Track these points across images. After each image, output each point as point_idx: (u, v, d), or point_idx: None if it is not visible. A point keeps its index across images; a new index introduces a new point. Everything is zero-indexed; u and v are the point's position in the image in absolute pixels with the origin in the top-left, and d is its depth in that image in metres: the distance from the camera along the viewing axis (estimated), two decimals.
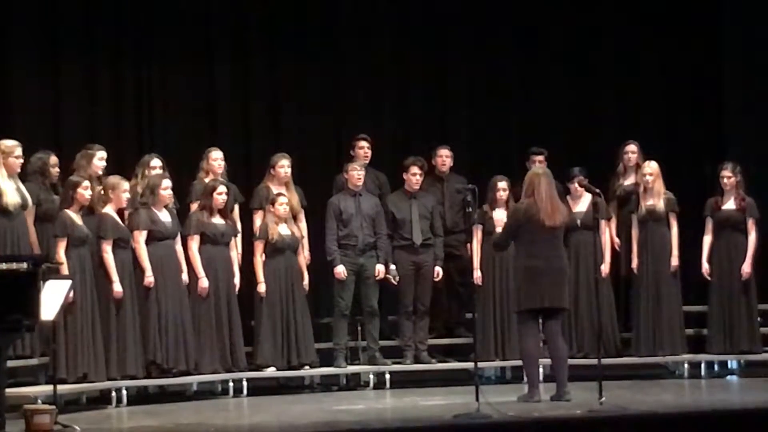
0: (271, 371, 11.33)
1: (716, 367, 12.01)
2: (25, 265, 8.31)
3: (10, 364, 9.27)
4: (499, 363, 11.84)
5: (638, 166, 12.05)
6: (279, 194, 11.45)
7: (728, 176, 11.75)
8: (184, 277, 10.98)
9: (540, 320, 9.90)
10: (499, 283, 11.73)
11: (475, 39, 13.60)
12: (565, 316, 10.51)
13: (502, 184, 11.73)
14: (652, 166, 11.84)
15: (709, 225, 11.85)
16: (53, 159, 10.84)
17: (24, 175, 10.57)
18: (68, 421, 8.92)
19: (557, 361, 9.85)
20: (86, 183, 10.40)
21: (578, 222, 11.48)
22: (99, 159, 10.85)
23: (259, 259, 11.36)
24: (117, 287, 10.44)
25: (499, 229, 10.74)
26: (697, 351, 11.91)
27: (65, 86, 12.55)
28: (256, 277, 11.35)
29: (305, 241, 11.65)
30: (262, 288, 11.30)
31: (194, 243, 11.06)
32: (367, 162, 12.02)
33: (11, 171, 10.33)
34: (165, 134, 12.76)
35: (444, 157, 12.21)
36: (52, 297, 8.74)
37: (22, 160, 10.44)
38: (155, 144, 12.39)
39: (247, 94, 13.21)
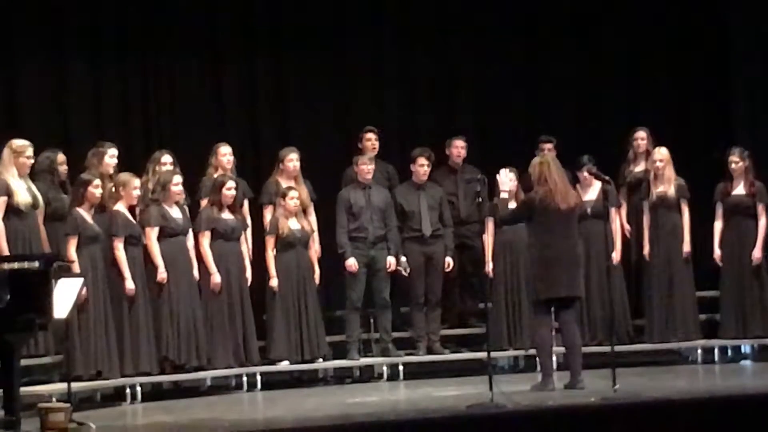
0: (284, 365, 11.33)
1: (730, 352, 11.96)
2: (36, 264, 8.33)
3: (24, 362, 9.29)
4: (512, 352, 11.82)
5: (648, 153, 12.00)
6: (289, 188, 11.44)
7: (736, 161, 11.72)
8: (196, 273, 11.00)
9: (553, 309, 9.90)
10: (510, 273, 11.71)
11: (481, 29, 13.56)
12: (579, 305, 10.49)
13: (510, 176, 11.65)
14: (662, 152, 11.80)
15: (719, 210, 11.81)
16: (61, 157, 10.83)
17: (32, 174, 10.54)
18: (83, 419, 8.93)
19: (571, 349, 9.83)
20: (97, 181, 10.40)
21: (588, 210, 11.44)
22: (110, 157, 10.86)
23: (271, 253, 11.36)
24: (129, 284, 10.45)
25: None
26: (711, 336, 11.89)
27: (72, 84, 12.54)
28: (268, 271, 11.34)
29: (316, 235, 11.65)
30: (274, 282, 11.30)
31: (205, 239, 11.07)
32: (375, 154, 12.01)
33: (22, 171, 10.33)
34: (172, 130, 12.75)
35: (459, 148, 12.19)
36: (65, 295, 8.75)
37: (33, 161, 10.43)
38: (163, 140, 12.38)
39: (254, 88, 13.20)
